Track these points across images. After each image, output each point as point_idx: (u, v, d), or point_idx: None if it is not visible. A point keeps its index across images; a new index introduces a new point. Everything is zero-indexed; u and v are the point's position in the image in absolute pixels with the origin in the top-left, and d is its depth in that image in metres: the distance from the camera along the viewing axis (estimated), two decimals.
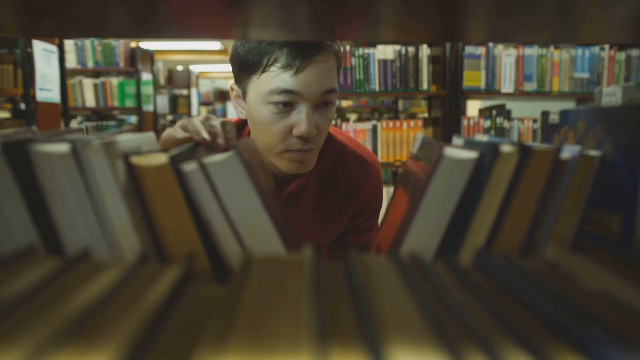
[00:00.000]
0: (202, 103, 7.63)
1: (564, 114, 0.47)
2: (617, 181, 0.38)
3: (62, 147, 0.33)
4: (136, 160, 0.36)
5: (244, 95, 0.80)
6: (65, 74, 2.94)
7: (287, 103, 0.74)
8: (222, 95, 7.94)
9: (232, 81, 0.84)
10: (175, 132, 0.57)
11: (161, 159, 0.36)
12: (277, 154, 0.78)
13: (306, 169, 0.80)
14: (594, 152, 0.38)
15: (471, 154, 0.36)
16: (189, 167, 0.36)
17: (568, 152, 0.38)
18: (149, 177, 0.36)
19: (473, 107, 4.39)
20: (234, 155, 0.35)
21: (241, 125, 0.91)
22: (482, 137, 0.46)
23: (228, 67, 8.48)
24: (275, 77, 0.73)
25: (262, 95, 0.75)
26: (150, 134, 0.46)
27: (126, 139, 0.39)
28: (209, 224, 0.36)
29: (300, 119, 0.74)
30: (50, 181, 0.33)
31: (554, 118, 0.48)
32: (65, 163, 0.33)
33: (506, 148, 0.37)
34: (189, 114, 5.83)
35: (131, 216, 0.36)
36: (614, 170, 0.38)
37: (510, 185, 0.37)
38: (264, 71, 0.74)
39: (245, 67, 0.77)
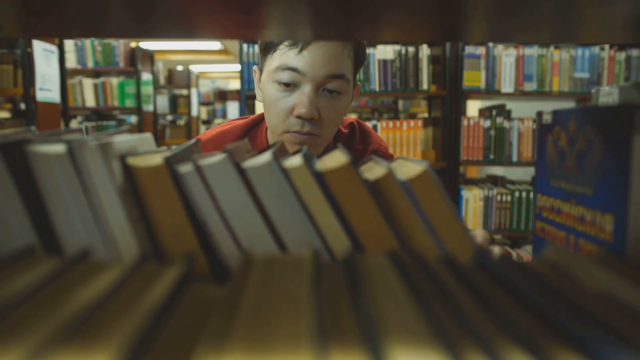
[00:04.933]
0: (202, 103, 7.63)
1: (556, 114, 0.47)
2: (608, 181, 0.38)
3: (59, 148, 0.33)
4: (132, 161, 0.36)
5: (261, 76, 0.82)
6: (65, 74, 2.94)
7: (290, 83, 0.75)
8: (222, 95, 7.95)
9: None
10: None
11: (157, 160, 0.36)
12: (279, 135, 0.79)
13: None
14: (420, 166, 0.38)
15: None
16: (185, 168, 0.36)
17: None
18: (145, 178, 0.36)
19: (473, 107, 4.39)
20: (226, 158, 0.36)
21: (256, 123, 0.93)
22: None
23: (228, 67, 8.53)
24: (282, 55, 0.75)
25: (269, 73, 0.77)
26: (148, 135, 0.46)
27: (123, 140, 0.39)
28: (206, 225, 0.37)
29: (301, 99, 0.75)
30: (48, 182, 0.33)
31: (547, 118, 0.48)
32: (61, 164, 0.33)
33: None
34: (189, 114, 5.83)
35: (129, 217, 0.36)
36: (605, 169, 0.38)
37: None
38: (274, 50, 0.77)
39: (263, 48, 0.80)
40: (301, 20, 0.46)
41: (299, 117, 0.75)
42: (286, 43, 0.75)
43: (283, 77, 0.75)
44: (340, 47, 0.75)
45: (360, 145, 0.94)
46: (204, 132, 0.95)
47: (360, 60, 0.81)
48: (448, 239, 0.38)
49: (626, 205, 0.36)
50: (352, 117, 1.04)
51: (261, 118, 0.93)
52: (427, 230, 0.37)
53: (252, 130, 0.92)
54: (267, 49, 0.78)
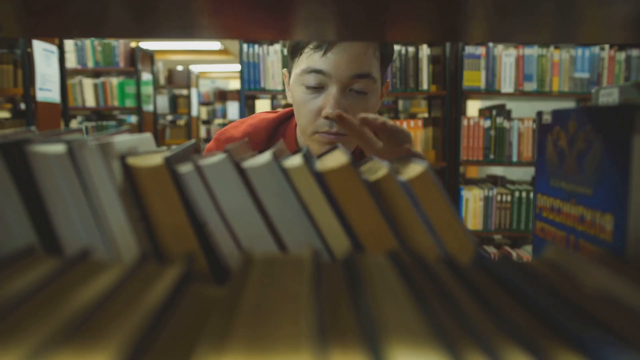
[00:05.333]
0: (202, 103, 7.63)
1: (555, 114, 0.47)
2: (608, 181, 0.38)
3: (59, 148, 0.33)
4: (132, 161, 0.36)
5: (290, 79, 0.84)
6: (65, 74, 2.94)
7: (317, 85, 0.77)
8: (222, 95, 7.95)
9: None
10: None
11: (156, 160, 0.36)
12: (309, 136, 0.80)
13: None
14: (419, 166, 0.38)
15: None
16: (185, 168, 0.36)
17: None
18: (145, 178, 0.36)
19: (473, 107, 4.39)
20: (226, 158, 0.36)
21: (286, 118, 0.93)
22: None
23: (228, 67, 8.54)
24: (307, 58, 0.77)
25: (297, 76, 0.79)
26: (147, 135, 0.46)
27: (123, 140, 0.39)
28: (206, 225, 0.37)
29: (328, 100, 0.76)
30: (48, 182, 0.33)
31: (547, 118, 0.48)
32: (61, 164, 0.33)
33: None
34: (189, 114, 5.83)
35: (129, 217, 0.36)
36: (604, 169, 0.38)
37: None
38: (300, 54, 0.78)
39: (290, 51, 0.81)
40: (298, 21, 0.46)
41: (326, 117, 0.76)
42: (311, 46, 0.76)
43: (309, 79, 0.76)
44: (365, 46, 0.76)
45: None
46: (233, 124, 0.95)
47: (387, 58, 0.81)
48: (448, 239, 0.38)
49: (626, 205, 0.36)
50: None
51: (291, 114, 0.94)
52: (427, 231, 0.37)
53: (282, 127, 0.92)
54: (294, 53, 0.80)
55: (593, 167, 0.39)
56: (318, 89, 0.77)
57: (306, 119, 0.79)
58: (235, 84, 8.86)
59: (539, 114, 0.50)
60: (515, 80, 2.52)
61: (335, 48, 0.74)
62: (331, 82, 0.76)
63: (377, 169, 0.40)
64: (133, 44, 4.26)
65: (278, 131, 0.92)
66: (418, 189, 0.37)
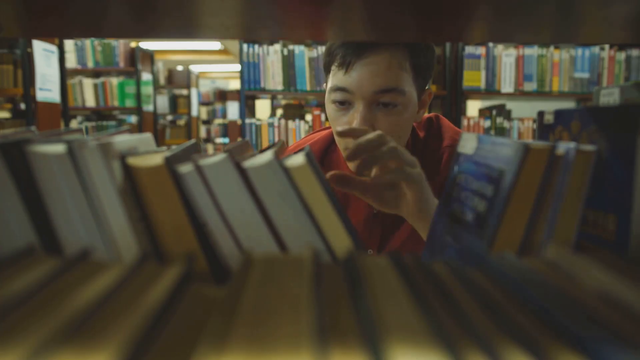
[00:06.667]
0: (202, 103, 7.63)
1: (558, 114, 0.47)
2: (611, 181, 0.38)
3: (59, 148, 0.33)
4: (132, 161, 0.36)
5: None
6: (65, 74, 2.94)
7: (343, 102, 0.77)
8: (222, 95, 7.94)
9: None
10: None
11: (157, 160, 0.36)
12: (343, 151, 0.81)
13: None
14: (588, 147, 0.38)
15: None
16: (185, 168, 0.36)
17: (563, 148, 0.37)
18: (145, 178, 0.36)
19: (473, 107, 4.39)
20: (226, 158, 0.36)
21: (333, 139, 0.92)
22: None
23: (228, 67, 8.53)
24: (333, 76, 0.78)
25: (327, 93, 0.80)
26: (148, 135, 0.46)
27: (123, 140, 0.39)
28: (206, 225, 0.37)
29: (354, 117, 0.76)
30: (48, 182, 0.33)
31: (548, 118, 0.48)
32: (61, 164, 0.33)
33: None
34: (189, 114, 5.83)
35: (129, 217, 0.36)
36: (608, 170, 0.38)
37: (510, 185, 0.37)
38: (329, 71, 0.80)
39: (323, 67, 0.83)
40: (295, 20, 0.46)
41: (339, 135, 0.75)
42: (335, 64, 0.77)
43: (337, 97, 0.77)
44: (388, 60, 0.74)
45: (435, 142, 0.90)
46: (292, 145, 0.96)
47: (422, 67, 0.79)
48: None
49: (630, 205, 0.36)
50: None
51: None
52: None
53: (333, 144, 0.91)
54: (325, 70, 0.81)
55: (597, 167, 0.39)
56: (345, 105, 0.77)
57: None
58: (235, 84, 8.86)
59: (540, 113, 0.50)
60: (515, 80, 2.52)
61: (358, 64, 0.74)
62: (356, 99, 0.76)
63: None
64: (133, 44, 4.26)
65: (329, 149, 0.91)
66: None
